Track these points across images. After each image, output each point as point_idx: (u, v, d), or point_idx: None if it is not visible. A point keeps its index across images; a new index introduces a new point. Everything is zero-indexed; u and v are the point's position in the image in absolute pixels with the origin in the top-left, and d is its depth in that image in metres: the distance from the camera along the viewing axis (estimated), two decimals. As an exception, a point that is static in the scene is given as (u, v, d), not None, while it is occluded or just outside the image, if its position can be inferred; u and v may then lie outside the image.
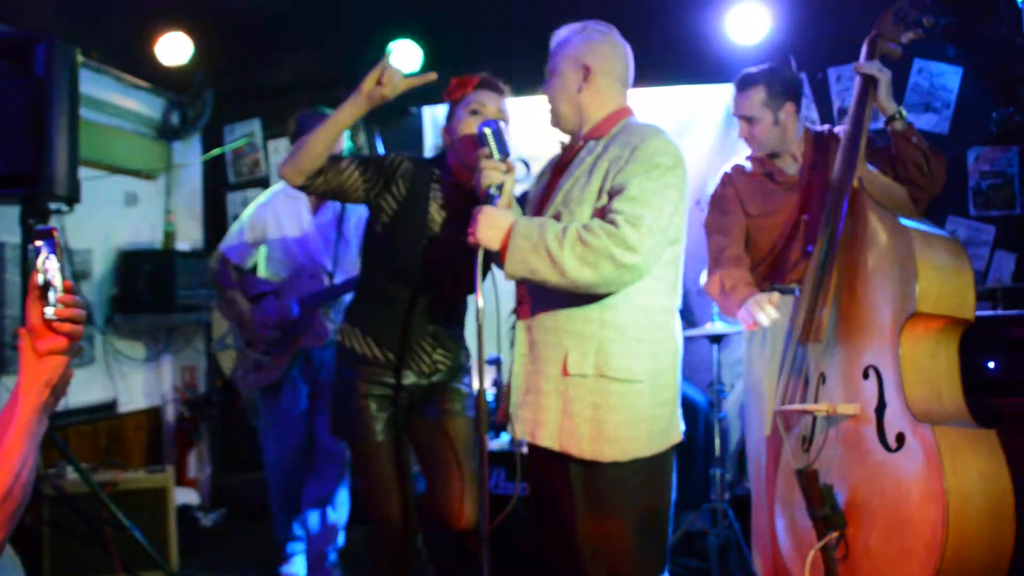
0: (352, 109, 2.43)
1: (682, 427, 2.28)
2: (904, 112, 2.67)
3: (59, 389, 1.41)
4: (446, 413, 2.62)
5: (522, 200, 2.47)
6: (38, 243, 1.37)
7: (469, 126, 2.51)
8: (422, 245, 2.55)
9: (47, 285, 1.35)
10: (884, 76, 2.57)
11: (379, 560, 2.71)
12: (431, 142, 4.93)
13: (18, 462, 1.34)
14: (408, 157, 2.63)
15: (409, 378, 2.60)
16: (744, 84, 2.89)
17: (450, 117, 2.61)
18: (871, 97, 2.56)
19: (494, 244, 2.11)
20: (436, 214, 2.57)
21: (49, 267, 1.36)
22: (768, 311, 2.53)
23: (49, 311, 1.35)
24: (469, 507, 2.54)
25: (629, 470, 2.14)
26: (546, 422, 2.17)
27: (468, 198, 2.53)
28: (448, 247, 2.54)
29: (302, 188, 2.51)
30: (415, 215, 2.56)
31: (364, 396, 2.59)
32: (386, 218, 2.57)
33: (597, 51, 2.26)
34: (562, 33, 2.34)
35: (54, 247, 1.37)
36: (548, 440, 2.17)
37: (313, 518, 3.62)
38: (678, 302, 2.28)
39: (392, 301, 2.59)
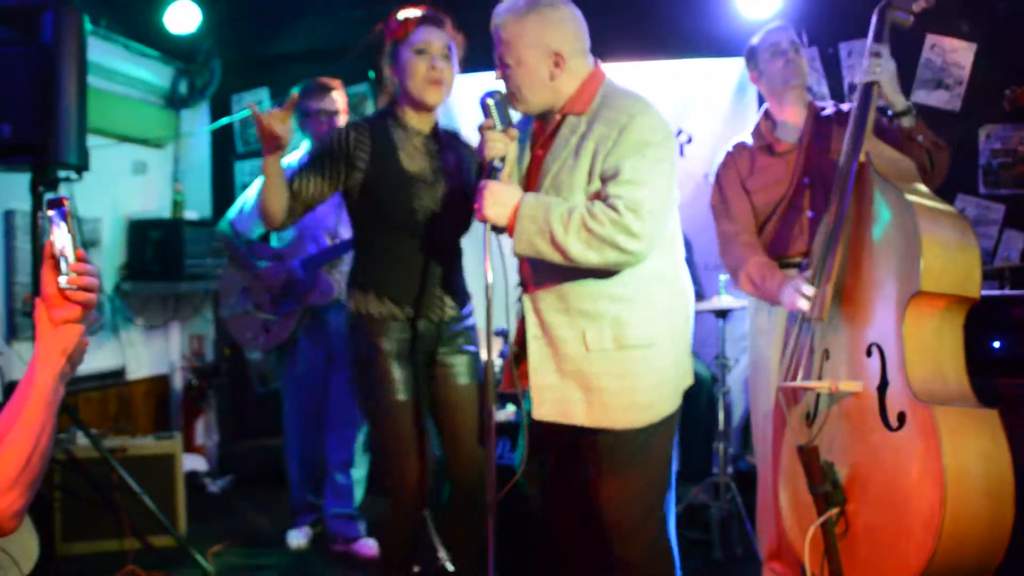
0: (270, 161, 2.44)
1: (693, 370, 2.33)
2: (912, 109, 2.61)
3: (75, 358, 1.42)
4: (453, 387, 2.63)
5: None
6: (50, 212, 1.37)
7: (416, 67, 2.49)
8: (406, 195, 2.52)
9: (60, 254, 1.36)
10: (884, 74, 2.50)
11: (392, 524, 2.65)
12: (440, 110, 4.91)
13: (37, 431, 1.36)
14: (352, 125, 2.60)
15: (423, 326, 2.57)
16: (782, 24, 2.92)
17: (395, 57, 2.55)
18: (875, 96, 2.52)
19: (501, 222, 2.12)
20: (407, 163, 2.55)
21: (61, 236, 1.37)
22: (804, 296, 2.48)
23: (62, 280, 1.36)
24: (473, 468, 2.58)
25: (656, 429, 2.19)
26: (575, 401, 2.19)
27: (430, 139, 2.60)
28: (428, 191, 2.54)
29: (284, 226, 2.60)
30: (390, 171, 2.54)
31: (386, 356, 2.55)
32: (362, 187, 2.56)
33: (560, 31, 2.19)
34: (507, 17, 2.21)
35: (65, 216, 1.38)
36: (580, 418, 2.19)
37: (338, 478, 3.73)
38: (681, 253, 2.31)
39: (396, 256, 2.57)
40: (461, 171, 2.63)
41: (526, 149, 2.35)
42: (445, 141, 2.66)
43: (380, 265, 2.59)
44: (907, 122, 2.60)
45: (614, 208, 2.05)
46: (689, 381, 2.30)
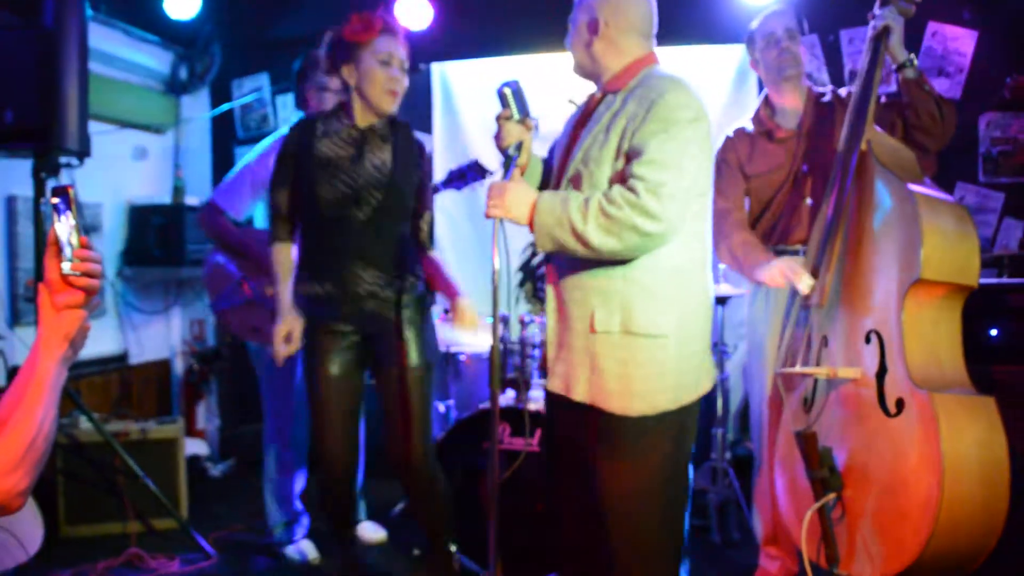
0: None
1: (714, 375, 2.28)
2: (915, 59, 2.64)
3: (77, 342, 1.45)
4: (400, 367, 2.78)
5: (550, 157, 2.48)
6: (54, 200, 1.39)
7: (377, 75, 2.67)
8: (318, 178, 2.71)
9: (64, 241, 1.38)
10: (897, 25, 2.54)
11: (323, 496, 2.96)
12: (440, 97, 4.92)
13: (40, 414, 1.39)
14: (294, 124, 2.84)
15: (351, 303, 2.74)
16: (780, 9, 2.91)
17: (355, 60, 2.70)
18: (883, 51, 2.53)
19: (522, 220, 2.13)
20: (325, 149, 2.74)
21: (65, 223, 1.39)
22: (805, 279, 2.50)
23: (66, 266, 1.38)
24: (412, 448, 2.79)
25: (657, 423, 2.16)
26: (578, 377, 2.20)
27: (366, 131, 2.75)
28: (343, 175, 2.72)
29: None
30: (307, 157, 2.74)
31: (316, 332, 2.78)
32: (292, 176, 2.79)
33: (611, 3, 2.22)
34: None
35: (69, 203, 1.40)
36: (580, 395, 2.20)
37: None
38: (708, 253, 2.26)
39: (319, 241, 2.76)
40: (391, 159, 2.76)
41: (568, 128, 2.37)
42: (383, 133, 2.78)
43: (306, 247, 2.81)
44: (911, 73, 2.63)
45: (633, 190, 2.01)
46: (705, 387, 2.24)
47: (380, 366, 2.82)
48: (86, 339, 1.47)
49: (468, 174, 2.96)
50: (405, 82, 2.74)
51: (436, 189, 3.07)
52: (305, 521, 3.58)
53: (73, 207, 1.40)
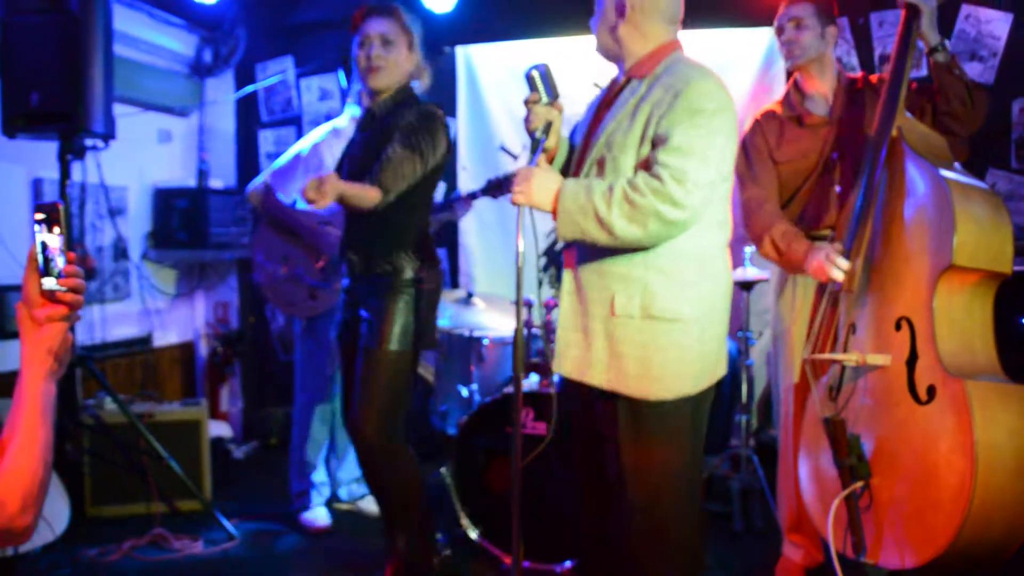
0: None
1: (727, 360, 2.30)
2: (947, 43, 2.59)
3: (61, 355, 1.42)
4: (374, 347, 2.81)
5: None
6: (39, 216, 1.39)
7: (359, 59, 2.83)
8: (339, 169, 2.93)
9: (50, 257, 1.38)
10: (927, 6, 2.49)
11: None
12: (464, 80, 4.89)
13: (39, 444, 1.37)
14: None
15: (347, 282, 2.95)
16: None
17: (353, 49, 2.88)
18: (915, 34, 2.48)
19: (546, 207, 2.13)
20: (349, 142, 2.97)
21: (52, 240, 1.39)
22: (838, 267, 2.46)
23: (51, 282, 1.37)
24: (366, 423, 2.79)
25: (675, 407, 2.16)
26: (595, 362, 2.20)
27: (369, 116, 2.90)
28: (351, 164, 2.87)
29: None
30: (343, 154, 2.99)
31: (337, 306, 3.06)
32: None
33: None
34: None
35: (58, 220, 1.40)
36: (597, 379, 2.20)
37: None
38: (728, 236, 2.27)
39: (341, 224, 2.98)
40: (381, 141, 2.80)
41: (591, 111, 2.36)
42: (382, 113, 2.87)
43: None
44: (941, 57, 2.58)
45: (658, 177, 2.02)
46: (721, 371, 2.26)
47: (358, 345, 2.87)
48: (71, 352, 1.46)
49: (505, 185, 3.03)
50: (394, 56, 2.82)
51: (474, 195, 3.14)
52: (325, 491, 3.72)
53: (62, 223, 1.40)
